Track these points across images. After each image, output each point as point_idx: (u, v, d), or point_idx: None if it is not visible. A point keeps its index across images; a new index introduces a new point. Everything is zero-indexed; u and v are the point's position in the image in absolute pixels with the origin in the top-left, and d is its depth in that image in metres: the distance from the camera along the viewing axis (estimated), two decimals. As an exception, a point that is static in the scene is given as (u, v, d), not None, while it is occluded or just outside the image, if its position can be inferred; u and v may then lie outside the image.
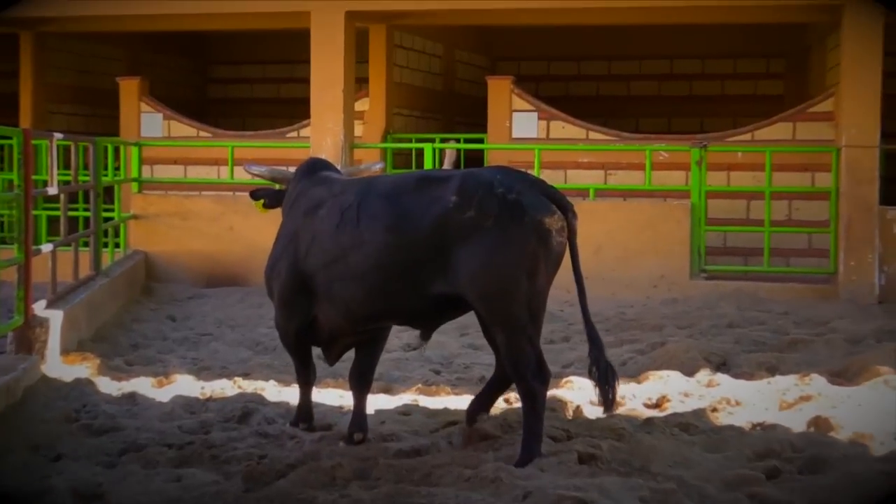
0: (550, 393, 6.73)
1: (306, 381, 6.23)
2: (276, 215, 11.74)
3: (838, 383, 7.22)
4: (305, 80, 12.56)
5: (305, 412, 6.23)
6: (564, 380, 7.25)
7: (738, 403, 6.62)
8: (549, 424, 5.95)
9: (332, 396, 7.00)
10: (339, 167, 6.76)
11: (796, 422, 6.21)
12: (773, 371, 7.66)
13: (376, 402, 6.77)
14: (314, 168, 6.27)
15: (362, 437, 5.80)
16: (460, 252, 5.30)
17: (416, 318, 5.67)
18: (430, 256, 5.36)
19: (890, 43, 11.54)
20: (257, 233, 11.88)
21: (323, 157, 9.59)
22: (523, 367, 5.30)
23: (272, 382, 7.37)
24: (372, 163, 7.28)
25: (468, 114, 16.47)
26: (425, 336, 5.89)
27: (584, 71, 18.35)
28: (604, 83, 18.22)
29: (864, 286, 11.09)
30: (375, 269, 5.45)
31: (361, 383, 5.98)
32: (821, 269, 11.67)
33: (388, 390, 7.24)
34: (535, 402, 5.33)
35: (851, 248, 11.20)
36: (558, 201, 5.39)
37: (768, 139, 12.33)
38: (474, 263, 5.27)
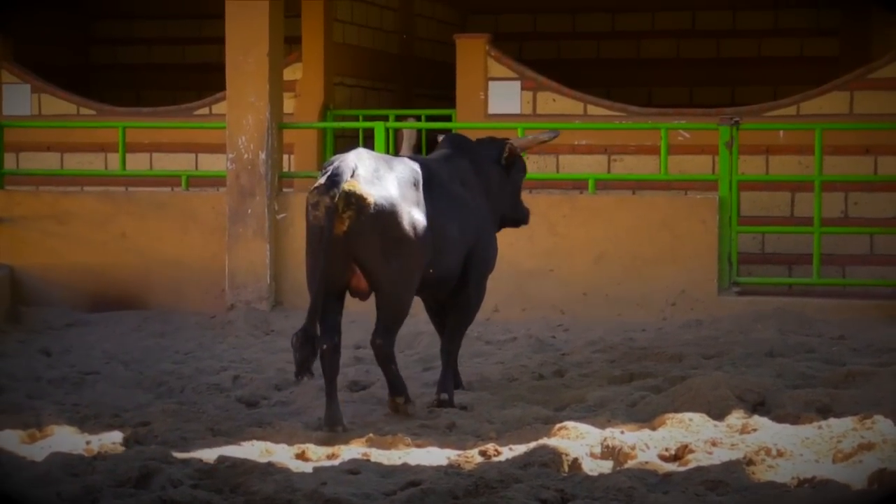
0: (540, 442, 6.82)
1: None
2: (180, 219, 11.58)
3: (909, 427, 7.30)
4: (219, 41, 12.58)
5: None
6: (558, 426, 7.29)
7: (780, 454, 6.70)
8: (539, 483, 6.01)
9: (255, 451, 7.02)
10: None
11: (855, 477, 6.27)
12: (825, 412, 7.75)
13: (313, 457, 6.82)
14: None
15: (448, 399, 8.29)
16: None
17: None
18: None
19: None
20: (157, 241, 11.88)
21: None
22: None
23: (179, 433, 7.39)
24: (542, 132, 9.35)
25: (432, 83, 16.54)
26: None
27: (580, 27, 18.47)
28: (606, 43, 18.34)
29: (941, 302, 11.23)
30: None
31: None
32: (885, 282, 11.82)
33: (328, 441, 7.27)
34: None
35: (925, 253, 11.38)
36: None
37: (818, 114, 12.46)
38: None
